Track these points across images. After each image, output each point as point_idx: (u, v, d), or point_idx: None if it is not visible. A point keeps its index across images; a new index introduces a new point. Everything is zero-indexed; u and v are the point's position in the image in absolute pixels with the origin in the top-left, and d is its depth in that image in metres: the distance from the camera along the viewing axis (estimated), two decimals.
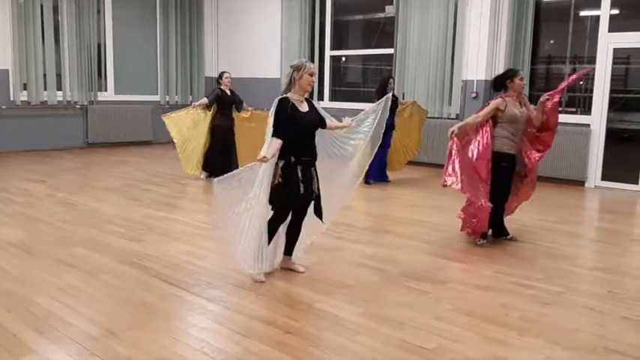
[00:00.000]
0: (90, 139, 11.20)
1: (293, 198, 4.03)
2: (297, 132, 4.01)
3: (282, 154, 3.98)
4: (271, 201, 4.01)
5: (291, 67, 4.07)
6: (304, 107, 4.09)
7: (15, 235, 5.09)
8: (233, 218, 3.93)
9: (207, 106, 8.03)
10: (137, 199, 6.82)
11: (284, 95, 4.04)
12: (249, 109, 8.01)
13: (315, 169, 4.14)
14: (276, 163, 3.99)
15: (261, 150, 3.92)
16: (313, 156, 4.12)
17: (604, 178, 8.30)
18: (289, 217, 4.18)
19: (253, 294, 3.85)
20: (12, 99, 10.27)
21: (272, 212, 4.09)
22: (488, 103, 5.13)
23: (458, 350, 3.07)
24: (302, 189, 4.02)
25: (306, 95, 4.16)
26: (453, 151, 4.91)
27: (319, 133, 4.24)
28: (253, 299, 3.77)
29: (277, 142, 3.91)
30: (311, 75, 4.02)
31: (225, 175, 3.93)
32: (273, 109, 4.01)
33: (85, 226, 5.47)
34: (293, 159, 3.99)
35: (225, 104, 8.02)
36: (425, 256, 4.83)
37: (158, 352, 2.99)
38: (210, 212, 5.88)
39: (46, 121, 10.65)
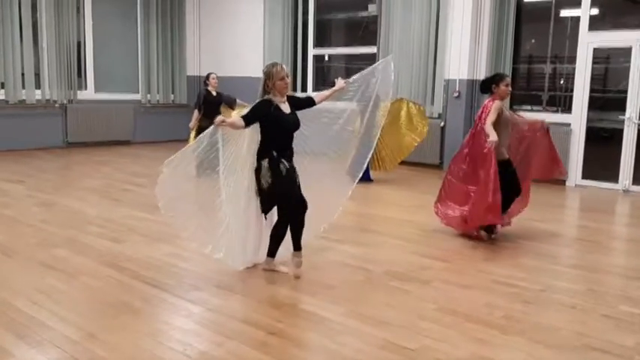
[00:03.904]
0: (69, 139, 11.04)
1: (290, 189, 4.04)
2: (279, 132, 4.06)
3: (264, 152, 4.02)
4: (277, 204, 4.08)
5: (262, 73, 4.07)
6: (287, 108, 4.11)
7: None
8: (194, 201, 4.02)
9: (199, 111, 8.07)
10: (118, 200, 6.74)
11: (267, 97, 4.04)
12: (246, 104, 7.93)
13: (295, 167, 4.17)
14: (260, 164, 4.02)
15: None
16: (291, 153, 4.15)
17: (584, 176, 8.41)
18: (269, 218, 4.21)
19: (237, 295, 3.82)
20: None
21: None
22: (486, 107, 5.10)
23: (441, 349, 3.08)
24: (292, 177, 4.04)
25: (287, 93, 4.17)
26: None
27: (315, 124, 4.39)
28: (237, 301, 3.75)
29: (240, 121, 3.94)
30: (282, 79, 4.02)
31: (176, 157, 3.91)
32: (254, 104, 4.07)
33: (66, 227, 5.39)
34: (275, 154, 4.01)
35: (210, 104, 7.99)
36: (408, 255, 4.84)
37: (140, 355, 2.95)
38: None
39: (24, 120, 10.47)
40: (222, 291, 3.89)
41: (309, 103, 4.33)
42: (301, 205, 4.11)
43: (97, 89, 11.54)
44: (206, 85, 8.20)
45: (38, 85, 10.64)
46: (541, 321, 3.51)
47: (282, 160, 4.03)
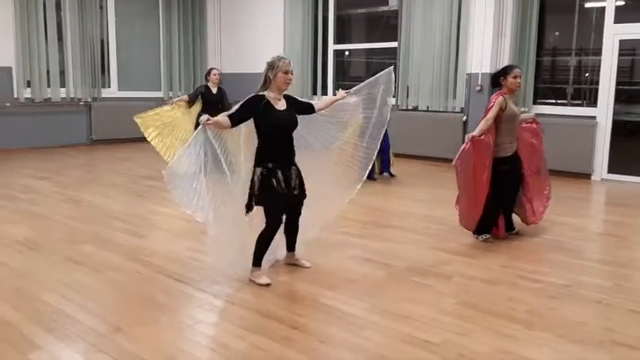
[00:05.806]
0: (94, 136, 11.22)
1: (278, 201, 3.88)
2: (273, 131, 3.86)
3: (259, 160, 3.86)
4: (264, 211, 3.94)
5: (266, 64, 3.89)
6: (281, 105, 3.91)
7: (21, 232, 5.10)
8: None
9: (188, 103, 7.82)
10: (142, 196, 6.82)
11: (260, 92, 3.88)
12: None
13: (297, 168, 4.01)
14: (254, 171, 3.87)
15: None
16: (291, 160, 3.97)
17: (610, 170, 8.27)
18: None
19: (258, 290, 3.84)
20: (16, 96, 10.29)
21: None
22: (492, 102, 5.04)
23: (464, 344, 3.06)
24: (284, 190, 3.88)
25: (288, 91, 3.99)
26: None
27: (314, 124, 4.25)
28: (258, 295, 3.77)
29: (226, 121, 3.76)
30: (286, 73, 3.80)
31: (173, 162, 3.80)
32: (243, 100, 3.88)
33: (91, 223, 5.48)
34: (271, 165, 3.84)
35: (209, 101, 7.69)
36: (429, 250, 4.82)
37: (164, 349, 2.99)
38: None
39: (49, 118, 10.66)
40: (244, 285, 3.91)
41: (309, 108, 4.15)
42: (295, 211, 4.02)
43: (120, 87, 11.70)
44: (207, 80, 7.88)
45: (63, 84, 10.83)
46: (566, 316, 3.47)
47: (277, 171, 3.84)
